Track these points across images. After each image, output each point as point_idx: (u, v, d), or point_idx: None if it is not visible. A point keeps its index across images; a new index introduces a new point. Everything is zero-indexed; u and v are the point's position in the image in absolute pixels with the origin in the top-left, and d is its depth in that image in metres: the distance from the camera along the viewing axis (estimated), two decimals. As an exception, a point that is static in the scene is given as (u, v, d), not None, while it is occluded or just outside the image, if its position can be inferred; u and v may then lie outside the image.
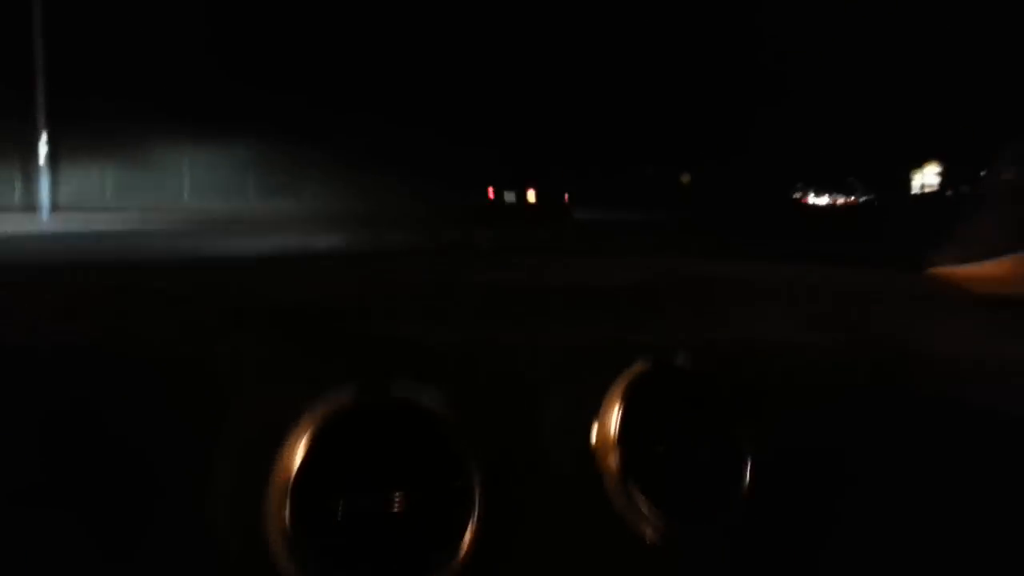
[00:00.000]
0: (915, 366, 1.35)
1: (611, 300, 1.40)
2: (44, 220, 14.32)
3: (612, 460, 1.18)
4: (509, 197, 18.43)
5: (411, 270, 1.44)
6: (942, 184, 21.76)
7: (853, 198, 28.64)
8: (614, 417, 1.20)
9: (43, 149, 15.17)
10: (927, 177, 23.46)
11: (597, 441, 1.20)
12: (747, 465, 1.23)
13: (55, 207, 14.68)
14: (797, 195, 29.12)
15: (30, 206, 14.65)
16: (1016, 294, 1.40)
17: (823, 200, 28.81)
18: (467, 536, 1.05)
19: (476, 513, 1.05)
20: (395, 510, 1.02)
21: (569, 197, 17.09)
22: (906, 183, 24.54)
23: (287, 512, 0.96)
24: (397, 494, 1.02)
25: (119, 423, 0.95)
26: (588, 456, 1.19)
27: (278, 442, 0.97)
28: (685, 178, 21.53)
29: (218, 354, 1.03)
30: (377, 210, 15.86)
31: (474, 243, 9.54)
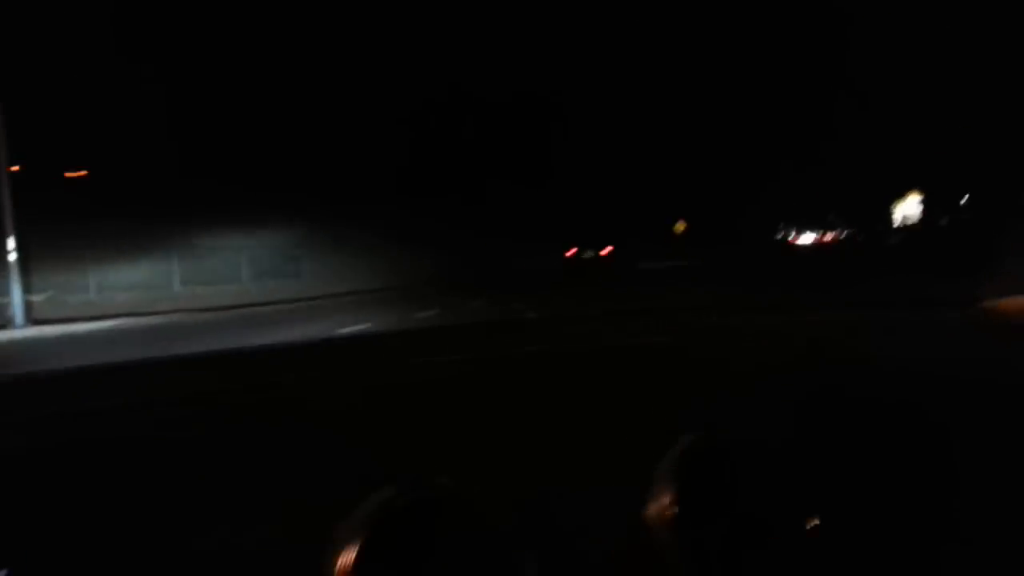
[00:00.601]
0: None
1: (640, 361, 1.31)
2: (17, 335, 12.98)
3: (667, 542, 1.04)
4: (588, 254, 20.93)
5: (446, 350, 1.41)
6: (928, 214, 22.07)
7: (835, 234, 28.86)
8: (667, 497, 1.05)
9: (12, 255, 14.11)
10: (909, 208, 23.82)
11: (650, 523, 1.05)
12: (810, 526, 1.09)
13: (32, 318, 13.46)
14: (780, 235, 29.18)
15: (3, 317, 13.43)
16: None
17: (808, 238, 28.99)
18: None
19: None
20: None
21: (633, 252, 19.53)
22: (887, 215, 24.89)
23: None
24: None
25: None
26: (642, 539, 1.05)
27: (328, 541, 0.89)
28: (680, 226, 21.61)
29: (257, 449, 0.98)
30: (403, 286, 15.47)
31: (520, 314, 9.13)
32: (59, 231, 14.14)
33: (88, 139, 15.17)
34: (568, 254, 20.21)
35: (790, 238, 28.76)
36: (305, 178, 16.70)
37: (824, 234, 28.91)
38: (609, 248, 19.89)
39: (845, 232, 28.32)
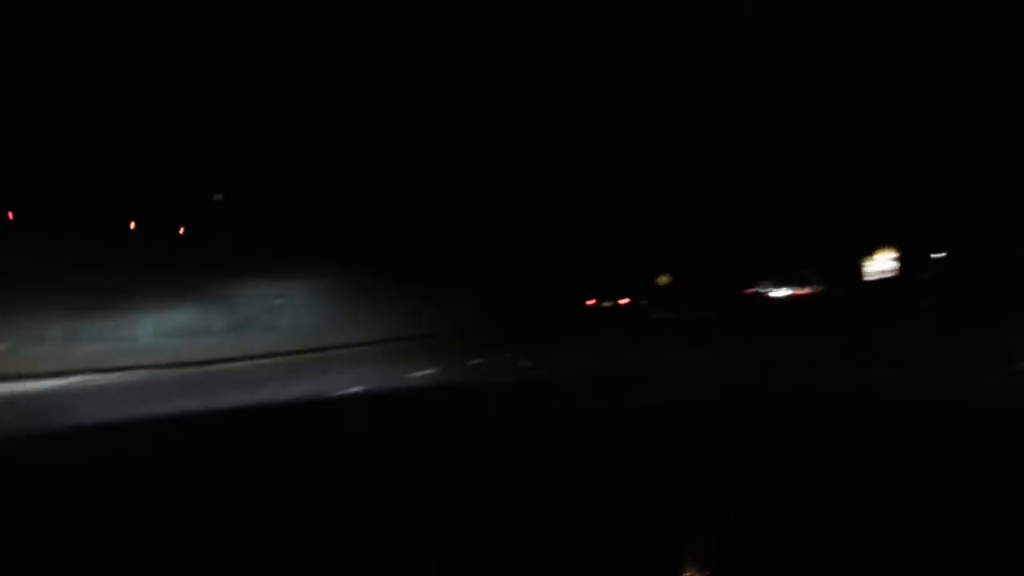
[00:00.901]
0: None
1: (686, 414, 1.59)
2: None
3: None
4: (607, 304, 22.05)
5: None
6: (905, 269, 22.27)
7: (809, 289, 29.04)
8: (703, 552, 1.04)
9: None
10: (882, 262, 24.04)
11: None
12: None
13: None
14: (756, 289, 29.33)
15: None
16: None
17: (782, 292, 29.08)
18: None
19: None
20: None
21: (647, 302, 20.62)
22: (858, 269, 25.11)
23: None
24: None
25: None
26: None
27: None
28: (663, 279, 21.48)
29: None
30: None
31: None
32: (22, 279, 13.02)
33: (58, 184, 14.25)
34: (589, 303, 20.60)
35: (767, 292, 29.45)
36: (288, 217, 15.74)
37: (797, 290, 29.54)
38: (626, 300, 20.22)
39: (820, 287, 28.85)
